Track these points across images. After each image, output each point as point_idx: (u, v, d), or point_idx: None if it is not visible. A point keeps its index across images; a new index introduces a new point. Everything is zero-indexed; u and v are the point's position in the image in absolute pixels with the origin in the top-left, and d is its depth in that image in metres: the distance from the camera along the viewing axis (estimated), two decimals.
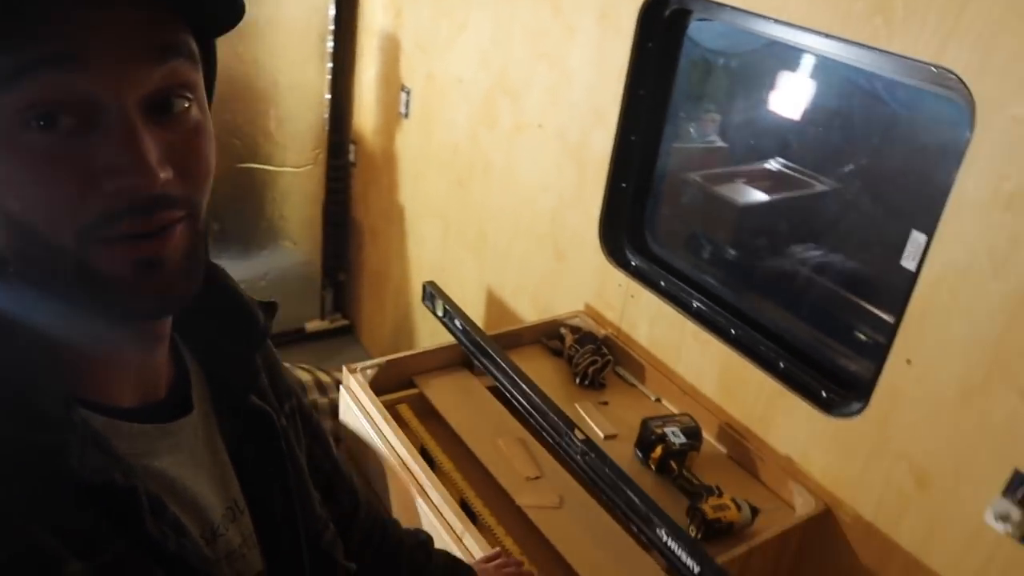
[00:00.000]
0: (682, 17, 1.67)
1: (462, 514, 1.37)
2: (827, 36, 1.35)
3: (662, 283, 1.80)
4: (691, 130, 1.82)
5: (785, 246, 1.70)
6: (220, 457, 0.70)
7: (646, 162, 1.83)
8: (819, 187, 1.65)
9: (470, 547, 1.32)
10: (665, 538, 1.31)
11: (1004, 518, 1.20)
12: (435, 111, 2.44)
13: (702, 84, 1.73)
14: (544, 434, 1.57)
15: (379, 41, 2.69)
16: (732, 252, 1.82)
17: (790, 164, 1.70)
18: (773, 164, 1.73)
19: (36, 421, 0.53)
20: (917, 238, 1.36)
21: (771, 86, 1.65)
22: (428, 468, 1.46)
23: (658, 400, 1.78)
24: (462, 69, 2.27)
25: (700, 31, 1.69)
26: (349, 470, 0.96)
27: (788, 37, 1.46)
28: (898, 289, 1.36)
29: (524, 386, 1.60)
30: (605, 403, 1.75)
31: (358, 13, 2.78)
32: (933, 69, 1.23)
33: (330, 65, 2.80)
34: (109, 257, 0.52)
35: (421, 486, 1.45)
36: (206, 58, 0.59)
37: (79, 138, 0.50)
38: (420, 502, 1.43)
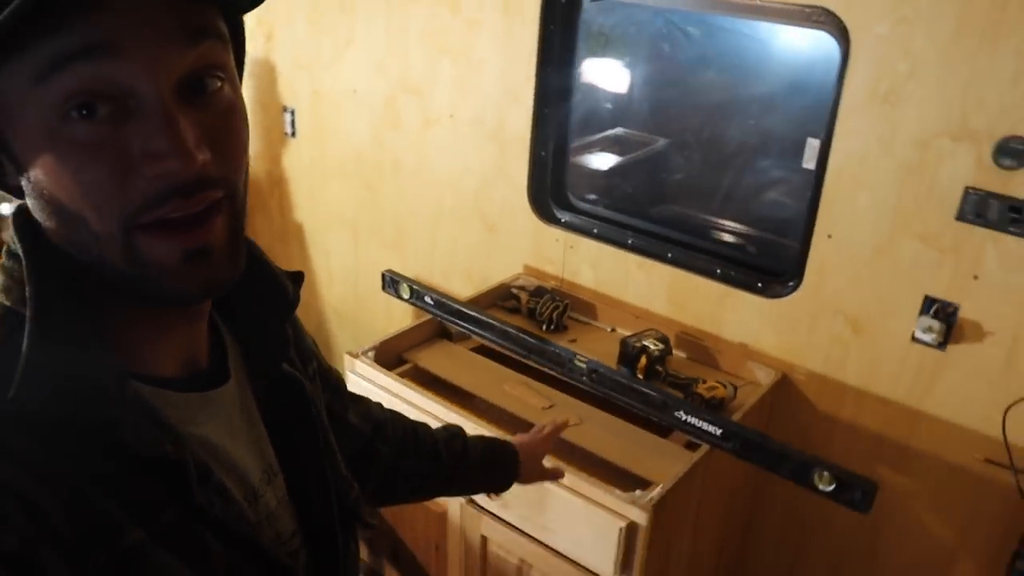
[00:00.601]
0: (577, 1, 1.99)
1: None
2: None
3: (595, 230, 2.11)
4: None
5: (705, 170, 2.07)
6: (255, 423, 0.74)
7: (560, 131, 2.14)
8: (725, 123, 2.03)
9: None
10: (685, 417, 1.61)
11: (928, 330, 1.61)
12: (328, 125, 2.61)
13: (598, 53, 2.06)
14: (546, 369, 1.82)
15: (250, 67, 2.79)
16: (653, 185, 2.16)
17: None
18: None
19: (94, 398, 0.56)
20: (812, 143, 1.76)
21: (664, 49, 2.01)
22: (464, 410, 1.67)
23: (613, 330, 2.09)
24: (355, 79, 2.47)
25: (591, 11, 2.02)
26: (366, 401, 1.05)
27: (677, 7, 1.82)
28: (803, 186, 1.75)
29: (515, 332, 1.85)
30: (573, 340, 2.03)
31: None
32: (808, 9, 1.62)
33: None
34: (156, 245, 0.55)
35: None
36: (234, 37, 0.61)
37: (117, 126, 0.52)
38: None
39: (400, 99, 2.37)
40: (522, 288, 2.16)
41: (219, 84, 0.56)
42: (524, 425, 1.71)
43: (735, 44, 1.99)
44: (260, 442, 0.74)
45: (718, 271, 1.92)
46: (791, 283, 1.81)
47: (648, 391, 1.66)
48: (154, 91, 0.52)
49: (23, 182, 0.57)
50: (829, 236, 1.71)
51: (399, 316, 2.57)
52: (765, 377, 1.85)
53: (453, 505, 1.76)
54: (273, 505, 0.73)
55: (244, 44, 0.65)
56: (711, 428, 1.57)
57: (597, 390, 1.74)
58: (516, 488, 1.45)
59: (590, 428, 1.72)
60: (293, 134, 2.74)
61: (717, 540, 1.91)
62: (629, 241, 2.05)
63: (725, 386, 1.76)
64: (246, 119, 0.60)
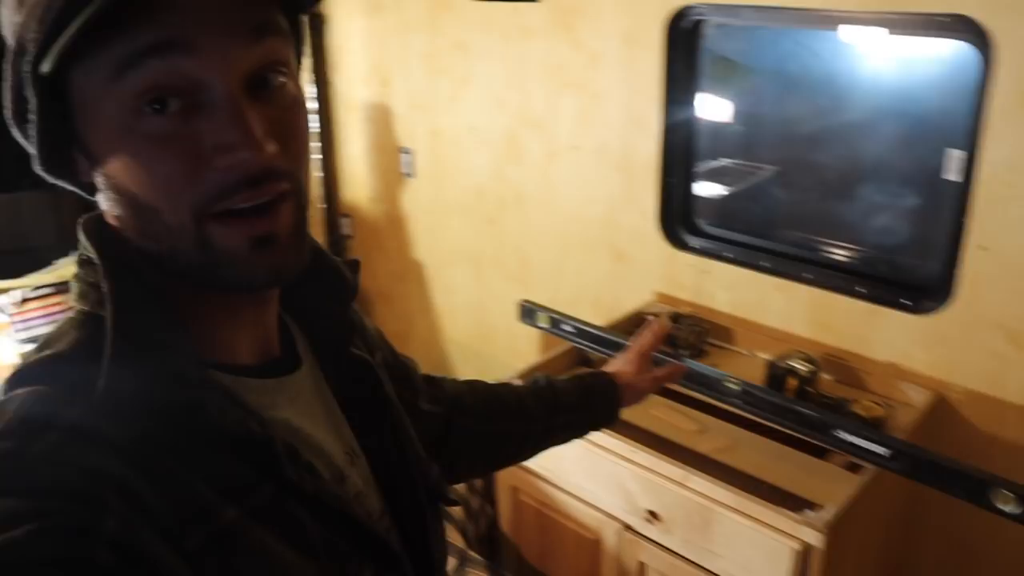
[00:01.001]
0: (700, 25, 2.03)
1: (676, 463, 1.62)
2: (853, 13, 1.74)
3: (727, 254, 2.13)
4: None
5: (833, 189, 2.07)
6: (331, 407, 0.76)
7: (686, 157, 2.17)
8: (852, 141, 2.04)
9: (696, 486, 1.58)
10: (848, 437, 1.61)
11: None
12: (447, 162, 2.70)
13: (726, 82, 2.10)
14: (694, 393, 1.84)
15: (364, 112, 2.93)
16: (784, 203, 2.17)
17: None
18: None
19: (179, 382, 0.59)
20: (954, 154, 1.75)
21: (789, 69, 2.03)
22: (620, 436, 1.70)
23: (752, 353, 2.10)
24: (473, 117, 2.56)
25: (715, 37, 2.06)
26: (439, 381, 1.05)
27: (807, 24, 1.84)
28: (946, 198, 1.74)
29: (661, 356, 1.88)
30: (715, 365, 2.04)
31: (331, 92, 3.02)
32: (944, 19, 1.62)
33: (318, 144, 3.01)
34: (226, 233, 0.58)
35: (623, 455, 1.69)
36: (295, 34, 0.64)
37: (188, 119, 0.55)
38: (624, 467, 1.67)
39: (521, 133, 2.45)
40: (656, 315, 2.19)
41: (282, 80, 0.60)
42: (677, 449, 1.74)
43: (860, 61, 2.00)
44: (339, 425, 0.76)
45: (859, 289, 1.92)
46: (940, 298, 1.79)
47: (806, 411, 1.66)
48: (224, 84, 0.55)
49: (97, 177, 0.60)
50: (983, 248, 1.69)
51: (524, 348, 2.63)
52: (918, 397, 1.83)
53: (607, 531, 1.78)
54: (360, 485, 0.74)
55: (304, 41, 0.68)
56: (877, 448, 1.57)
57: (751, 412, 1.75)
58: (677, 511, 1.47)
59: (745, 451, 1.73)
60: (411, 174, 2.84)
61: (878, 567, 1.89)
62: (764, 263, 2.06)
63: (881, 406, 1.75)
64: (307, 114, 0.63)
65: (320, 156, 3.06)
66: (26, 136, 0.61)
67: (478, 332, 2.87)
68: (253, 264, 0.60)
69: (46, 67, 0.54)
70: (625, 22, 2.08)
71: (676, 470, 1.61)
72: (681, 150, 2.15)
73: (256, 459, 0.61)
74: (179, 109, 0.55)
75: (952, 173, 1.76)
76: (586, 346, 2.03)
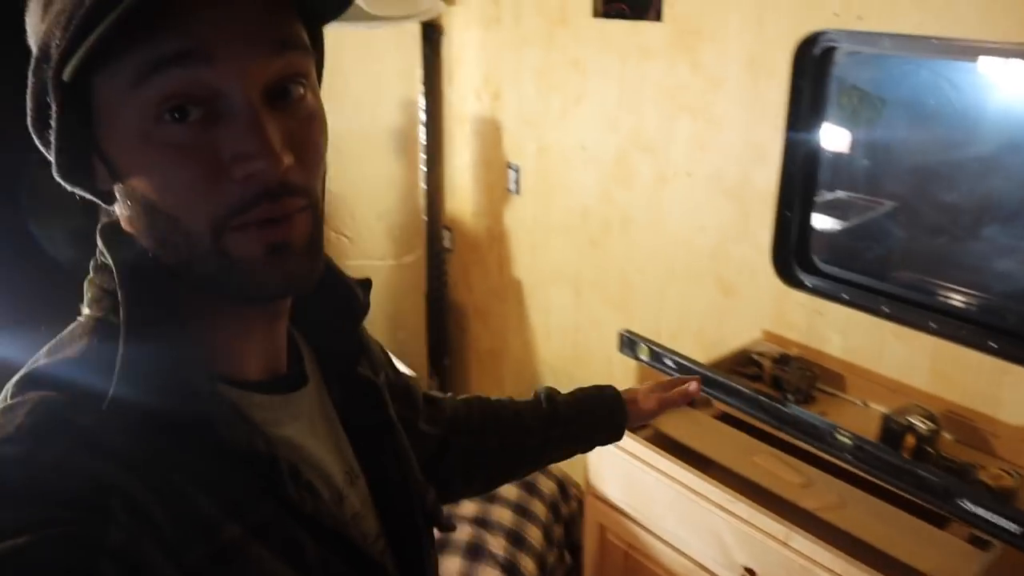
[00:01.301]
0: (831, 53, 1.92)
1: (777, 519, 1.52)
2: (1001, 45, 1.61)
3: (844, 295, 2.00)
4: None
5: (969, 230, 1.92)
6: (334, 425, 0.76)
7: (807, 190, 2.06)
8: (986, 179, 1.89)
9: (799, 546, 1.48)
10: (971, 507, 1.47)
11: None
12: (554, 181, 2.66)
13: (855, 112, 1.98)
14: (798, 442, 1.73)
15: (473, 126, 2.91)
16: (908, 249, 2.04)
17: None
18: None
19: (188, 395, 0.59)
20: None
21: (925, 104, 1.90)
22: (717, 483, 1.62)
23: (866, 404, 1.96)
24: (584, 136, 2.50)
25: (846, 66, 1.94)
26: (439, 401, 1.04)
27: (950, 55, 1.72)
28: None
29: (767, 400, 1.78)
30: (823, 413, 1.92)
31: (444, 103, 3.02)
32: None
33: (423, 156, 3.01)
34: (242, 241, 0.58)
35: (720, 504, 1.60)
36: (316, 47, 0.65)
37: (207, 128, 0.56)
38: (721, 516, 1.58)
39: (632, 156, 2.38)
40: (763, 355, 2.08)
41: (302, 91, 0.60)
42: (778, 502, 1.64)
43: (998, 93, 1.85)
44: (340, 444, 0.76)
45: (990, 343, 1.77)
46: None
47: (926, 474, 1.53)
48: (243, 95, 0.55)
49: (116, 185, 0.61)
50: None
51: (620, 376, 2.55)
52: None
53: None
54: (357, 506, 0.74)
55: (323, 53, 0.68)
56: (1007, 523, 1.43)
57: (862, 469, 1.63)
58: (776, 571, 1.37)
59: (854, 511, 1.61)
60: (517, 191, 2.80)
61: None
62: (884, 308, 1.93)
63: (1011, 475, 1.61)
64: (325, 127, 0.63)
65: (425, 168, 3.06)
66: (46, 143, 0.61)
67: (573, 355, 2.81)
68: (267, 272, 0.60)
69: (67, 74, 0.54)
70: (751, 46, 1.99)
71: (778, 527, 1.51)
72: (801, 181, 2.04)
73: (260, 476, 0.62)
74: (199, 118, 0.55)
75: None
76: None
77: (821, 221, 2.09)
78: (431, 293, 3.21)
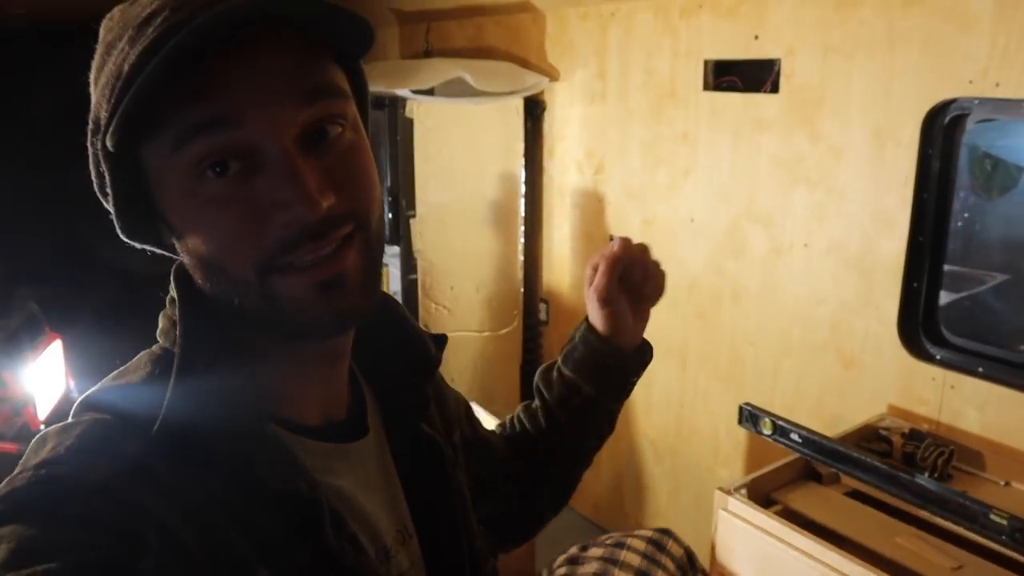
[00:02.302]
0: (962, 120, 1.90)
1: None
2: None
3: (980, 368, 1.93)
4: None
5: None
6: (392, 481, 0.75)
7: (935, 260, 2.01)
8: None
9: None
10: None
11: None
12: (660, 253, 2.61)
13: (988, 180, 1.95)
14: (944, 522, 1.65)
15: (574, 199, 2.94)
16: None
17: None
18: None
19: (231, 433, 0.60)
20: None
21: None
22: (863, 563, 1.54)
23: (1007, 484, 1.87)
24: (692, 208, 2.50)
25: (976, 132, 1.92)
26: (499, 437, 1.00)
27: None
28: None
29: (907, 477, 1.70)
30: (963, 493, 1.83)
31: (543, 177, 3.06)
32: None
33: (522, 228, 3.04)
34: (289, 283, 0.60)
35: None
36: (355, 82, 0.66)
37: (247, 180, 0.58)
38: None
39: (744, 227, 2.36)
40: (891, 430, 2.01)
41: (339, 130, 0.61)
42: None
43: None
44: (396, 501, 0.75)
45: None
46: None
47: None
48: (277, 147, 0.57)
49: (173, 239, 0.63)
50: None
51: (727, 452, 2.49)
52: None
53: None
54: (406, 567, 0.72)
55: (366, 87, 0.69)
56: None
57: (1021, 552, 1.54)
58: None
59: None
60: None
61: None
62: None
63: None
64: (371, 158, 0.64)
65: (523, 239, 3.08)
66: (108, 206, 0.64)
67: (676, 430, 2.75)
68: (320, 309, 0.61)
69: (111, 142, 0.57)
70: (876, 116, 1.98)
71: None
72: (929, 251, 2.00)
73: (300, 521, 0.61)
74: (238, 171, 0.58)
75: None
76: (815, 458, 1.88)
77: (956, 294, 2.03)
78: (525, 365, 3.20)
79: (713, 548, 1.85)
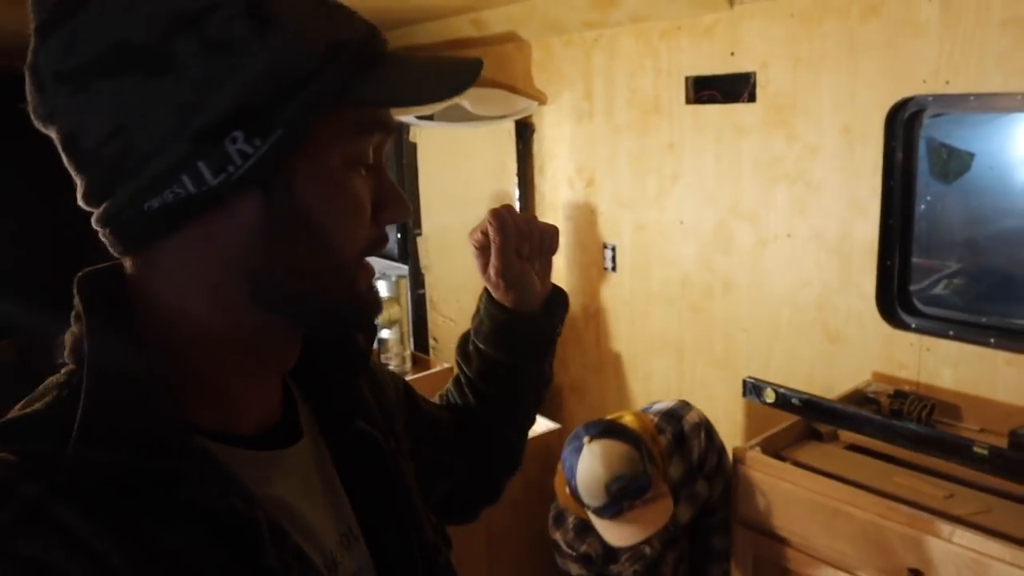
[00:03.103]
0: (918, 116, 2.20)
1: (940, 518, 1.68)
2: None
3: (951, 332, 2.21)
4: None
5: None
6: (332, 483, 0.74)
7: (904, 239, 2.30)
8: None
9: (965, 541, 1.63)
10: None
11: None
12: (652, 255, 2.90)
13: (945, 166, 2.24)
14: (940, 458, 1.90)
15: (566, 211, 3.19)
16: (1009, 287, 2.25)
17: None
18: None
19: (152, 449, 0.56)
20: None
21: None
22: (875, 495, 1.78)
23: (982, 430, 2.14)
24: (681, 212, 2.76)
25: (932, 127, 2.21)
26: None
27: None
28: None
29: (900, 424, 1.96)
30: (948, 432, 2.10)
31: (535, 194, 3.30)
32: None
33: None
34: (364, 277, 0.68)
35: (881, 514, 1.76)
36: None
37: (367, 180, 0.66)
38: (883, 524, 1.74)
39: (730, 224, 2.63)
40: (878, 392, 2.27)
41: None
42: (925, 511, 1.79)
43: None
44: (338, 504, 0.73)
45: None
46: None
47: None
48: (381, 155, 0.69)
49: (272, 214, 0.59)
50: None
51: (726, 431, 2.72)
52: None
53: None
54: (353, 570, 0.72)
55: None
56: None
57: (1004, 477, 1.80)
58: (945, 569, 1.50)
59: (1001, 515, 1.77)
60: (613, 268, 3.05)
61: None
62: (992, 340, 2.13)
63: None
64: None
65: None
66: (192, 162, 0.56)
67: None
68: (372, 304, 0.69)
69: (347, 102, 0.60)
70: (844, 116, 2.26)
71: (943, 525, 1.67)
72: (899, 232, 2.28)
73: (237, 540, 0.58)
74: (366, 171, 0.66)
75: None
76: (816, 418, 2.13)
77: (926, 265, 2.31)
78: None
79: (735, 502, 2.08)
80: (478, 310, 0.98)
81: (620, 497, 1.96)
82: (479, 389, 0.98)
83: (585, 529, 2.21)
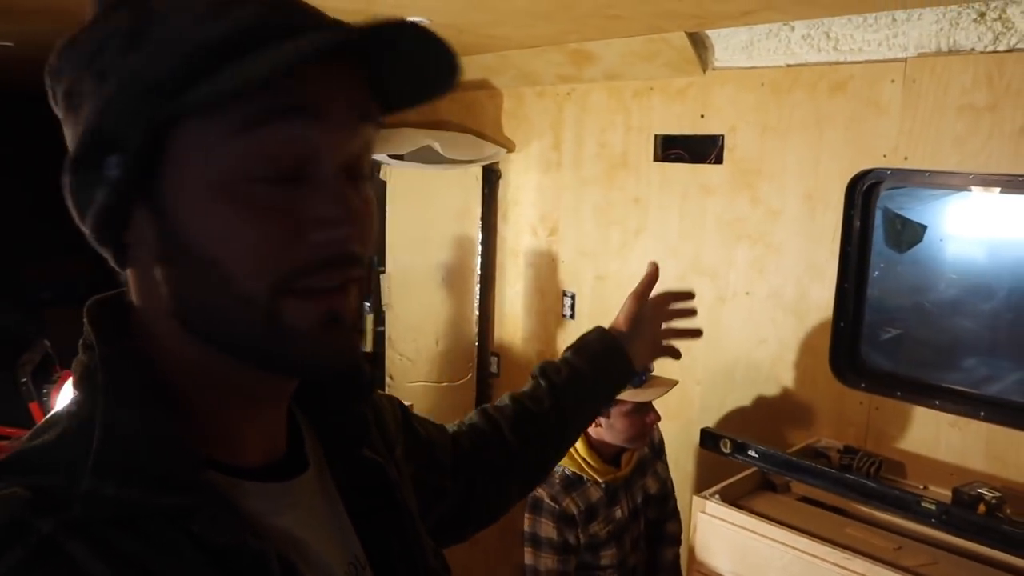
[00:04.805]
0: (876, 187, 2.37)
1: (896, 571, 1.80)
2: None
3: (898, 392, 2.36)
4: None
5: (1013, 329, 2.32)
6: (338, 512, 0.74)
7: (858, 302, 2.46)
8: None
9: None
10: None
11: None
12: (611, 305, 2.99)
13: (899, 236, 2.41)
14: (888, 512, 2.03)
15: (528, 258, 3.29)
16: (955, 343, 2.42)
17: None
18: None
19: (165, 484, 0.56)
20: None
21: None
22: (830, 544, 1.89)
23: (925, 487, 2.28)
24: (643, 264, 2.87)
25: (886, 198, 2.39)
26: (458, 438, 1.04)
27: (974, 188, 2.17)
28: None
29: (854, 478, 2.09)
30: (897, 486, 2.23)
31: (497, 239, 3.40)
32: None
33: (478, 287, 3.36)
34: (300, 309, 0.58)
35: (838, 564, 1.87)
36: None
37: (291, 191, 0.57)
38: (838, 574, 1.85)
39: (691, 279, 2.76)
40: (829, 447, 2.40)
41: (366, 172, 0.63)
42: (877, 562, 1.91)
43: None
44: (345, 532, 0.73)
45: None
46: None
47: (1012, 529, 1.84)
48: (331, 161, 0.58)
49: (161, 239, 0.58)
50: None
51: (679, 479, 2.82)
52: None
53: None
54: None
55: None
56: None
57: (949, 531, 1.93)
58: None
59: (949, 568, 1.90)
60: (572, 316, 3.15)
61: None
62: (936, 402, 2.29)
63: None
64: (375, 208, 0.65)
65: (478, 297, 3.40)
66: (89, 186, 0.57)
67: None
68: (322, 344, 0.60)
69: (184, 107, 0.54)
70: (807, 183, 2.43)
71: None
72: (853, 295, 2.44)
73: (247, 573, 0.58)
74: (287, 179, 0.57)
75: None
76: (772, 470, 2.24)
77: (878, 330, 2.47)
78: None
79: (692, 550, 2.17)
80: (583, 337, 1.18)
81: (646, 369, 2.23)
82: (559, 393, 1.11)
83: (571, 484, 2.30)
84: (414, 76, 0.62)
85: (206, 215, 0.56)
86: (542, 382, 1.13)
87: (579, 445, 2.31)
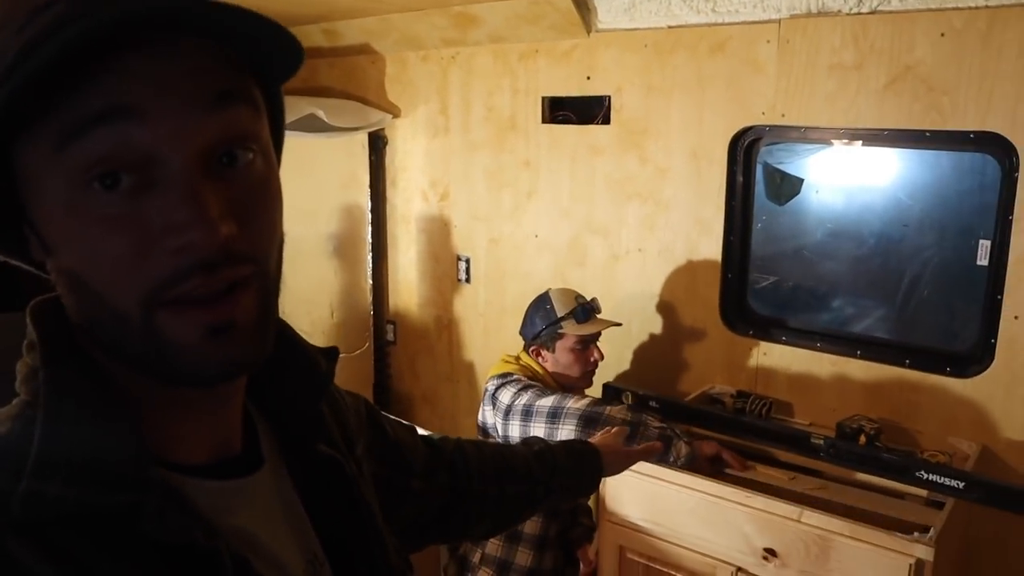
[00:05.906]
0: (756, 144, 2.52)
1: (790, 502, 1.97)
2: (893, 131, 2.25)
3: (783, 337, 2.55)
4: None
5: (877, 279, 2.53)
6: (295, 510, 0.73)
7: (743, 254, 2.62)
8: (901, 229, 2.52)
9: (811, 521, 1.92)
10: (927, 475, 1.99)
11: None
12: (507, 268, 3.10)
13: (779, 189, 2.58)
14: (781, 449, 2.21)
15: (419, 224, 3.33)
16: (831, 297, 2.62)
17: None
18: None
19: (110, 483, 0.55)
20: (985, 244, 2.24)
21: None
22: (733, 485, 2.05)
23: (811, 424, 2.49)
24: (537, 226, 2.98)
25: (766, 153, 2.55)
26: (436, 452, 1.05)
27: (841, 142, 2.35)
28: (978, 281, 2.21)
29: (750, 421, 2.26)
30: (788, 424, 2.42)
31: (387, 206, 3.42)
32: (974, 135, 2.14)
33: (370, 255, 3.38)
34: (177, 323, 0.55)
35: (740, 501, 2.03)
36: (272, 108, 0.62)
37: (138, 198, 0.53)
38: (741, 511, 2.01)
39: (585, 239, 2.87)
40: (722, 393, 2.57)
41: (251, 156, 0.58)
42: (776, 493, 2.08)
43: (899, 171, 2.50)
44: (302, 530, 0.73)
45: (907, 361, 2.35)
46: (981, 363, 2.23)
47: (889, 457, 2.04)
48: (178, 158, 0.53)
49: (44, 255, 0.58)
50: (1016, 317, 2.15)
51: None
52: (969, 448, 2.24)
53: (723, 573, 2.09)
54: None
55: (283, 116, 0.66)
56: (954, 482, 1.95)
57: (836, 463, 2.12)
58: (794, 546, 1.79)
59: (836, 491, 2.09)
60: (467, 280, 3.22)
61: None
62: (818, 344, 2.49)
63: (944, 454, 2.15)
64: (279, 193, 0.61)
65: (371, 265, 3.42)
66: None
67: None
68: (206, 355, 0.57)
69: None
70: (692, 141, 2.56)
71: (791, 508, 1.94)
72: (739, 248, 2.60)
73: (198, 574, 0.58)
74: (131, 186, 0.53)
75: (983, 259, 2.23)
76: (671, 418, 2.39)
77: (763, 278, 2.65)
78: (377, 384, 3.51)
79: (603, 501, 2.30)
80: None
81: (588, 305, 2.48)
82: (531, 464, 1.16)
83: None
84: (260, 47, 0.58)
85: (64, 233, 0.55)
86: (548, 459, 1.19)
87: (539, 369, 2.53)
